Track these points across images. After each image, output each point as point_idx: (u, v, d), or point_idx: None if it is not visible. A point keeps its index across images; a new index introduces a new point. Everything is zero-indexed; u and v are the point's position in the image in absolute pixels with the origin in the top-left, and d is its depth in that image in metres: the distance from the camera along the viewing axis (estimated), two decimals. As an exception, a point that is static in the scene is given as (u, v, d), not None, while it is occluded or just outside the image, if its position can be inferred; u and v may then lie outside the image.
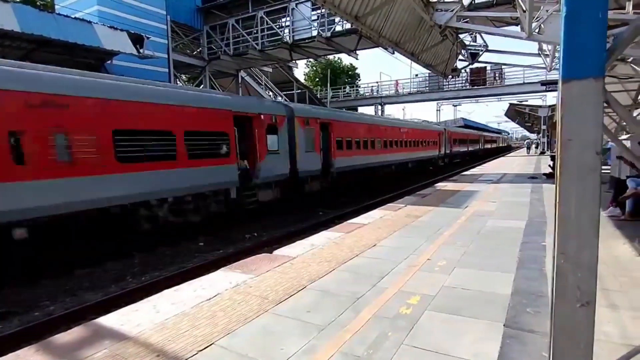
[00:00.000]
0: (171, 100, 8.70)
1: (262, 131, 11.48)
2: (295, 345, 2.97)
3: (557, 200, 1.18)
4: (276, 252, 5.79)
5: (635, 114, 10.36)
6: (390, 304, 3.68)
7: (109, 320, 3.51)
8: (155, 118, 8.24)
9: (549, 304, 3.45)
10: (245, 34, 20.88)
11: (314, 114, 14.25)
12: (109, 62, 14.92)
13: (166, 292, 4.20)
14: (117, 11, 16.47)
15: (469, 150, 42.04)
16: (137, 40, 14.47)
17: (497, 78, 35.55)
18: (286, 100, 29.03)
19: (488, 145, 56.42)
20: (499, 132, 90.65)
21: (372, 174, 19.07)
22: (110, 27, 13.81)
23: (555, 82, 21.17)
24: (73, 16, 13.40)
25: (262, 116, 11.44)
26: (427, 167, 27.96)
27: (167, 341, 3.07)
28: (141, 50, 14.59)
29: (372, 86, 43.07)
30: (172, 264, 7.77)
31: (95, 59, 14.02)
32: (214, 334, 3.17)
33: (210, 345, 3.00)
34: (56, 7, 17.31)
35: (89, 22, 13.41)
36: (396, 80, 41.93)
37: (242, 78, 26.20)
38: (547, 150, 40.34)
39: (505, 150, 71.67)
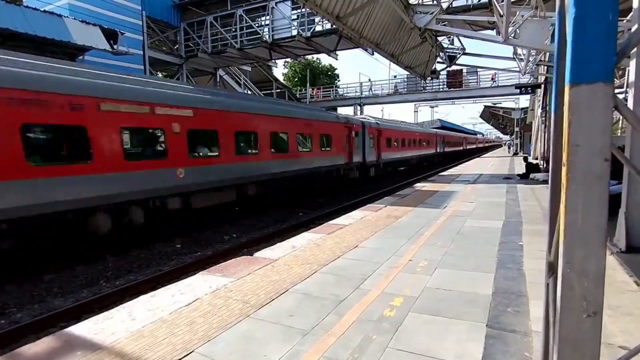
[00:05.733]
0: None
1: None
2: (278, 351, 2.89)
3: (564, 208, 1.17)
4: (257, 254, 5.68)
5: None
6: (374, 306, 3.65)
7: (81, 328, 3.33)
8: None
9: (528, 304, 3.53)
10: (223, 32, 20.58)
11: None
12: (80, 57, 14.38)
13: (142, 298, 4.03)
14: (90, 5, 15.92)
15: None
16: (111, 35, 14.02)
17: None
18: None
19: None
20: (473, 133, 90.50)
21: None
22: (82, 21, 13.31)
23: (528, 85, 21.83)
24: (42, 9, 12.82)
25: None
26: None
27: (143, 350, 2.93)
28: (115, 46, 14.15)
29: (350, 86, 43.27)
30: (148, 267, 7.53)
31: (65, 54, 13.47)
32: (194, 341, 3.05)
33: (190, 353, 2.89)
34: (24, -1, 16.55)
35: (60, 15, 12.88)
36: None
37: (221, 76, 25.82)
38: (520, 152, 41.69)
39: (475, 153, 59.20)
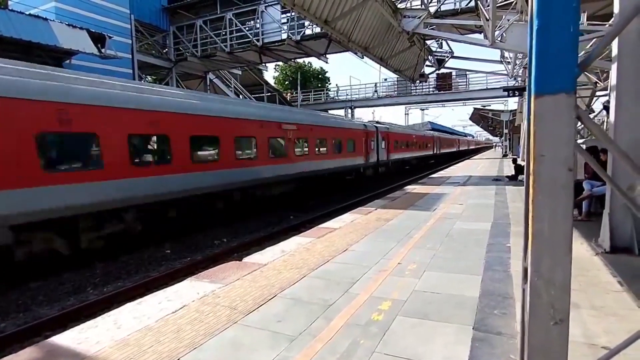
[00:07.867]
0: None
1: None
2: (266, 357, 2.88)
3: (531, 217, 1.18)
4: (246, 259, 5.65)
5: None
6: (362, 310, 3.65)
7: (66, 338, 3.28)
8: None
9: (514, 306, 3.57)
10: (213, 36, 20.52)
11: None
12: (67, 61, 14.22)
13: (129, 305, 3.98)
14: (77, 8, 15.75)
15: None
16: (99, 39, 13.90)
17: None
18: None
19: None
20: (464, 135, 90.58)
21: None
22: (69, 25, 13.17)
23: (515, 88, 22.07)
24: (28, 12, 12.67)
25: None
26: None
27: (128, 359, 2.89)
28: (103, 50, 14.01)
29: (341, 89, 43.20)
30: (137, 273, 7.44)
31: (52, 58, 13.31)
32: (180, 349, 3.02)
33: (176, 361, 2.86)
34: (9, 2, 16.34)
35: (45, 19, 12.72)
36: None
37: (211, 80, 25.71)
38: (509, 153, 42.20)
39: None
